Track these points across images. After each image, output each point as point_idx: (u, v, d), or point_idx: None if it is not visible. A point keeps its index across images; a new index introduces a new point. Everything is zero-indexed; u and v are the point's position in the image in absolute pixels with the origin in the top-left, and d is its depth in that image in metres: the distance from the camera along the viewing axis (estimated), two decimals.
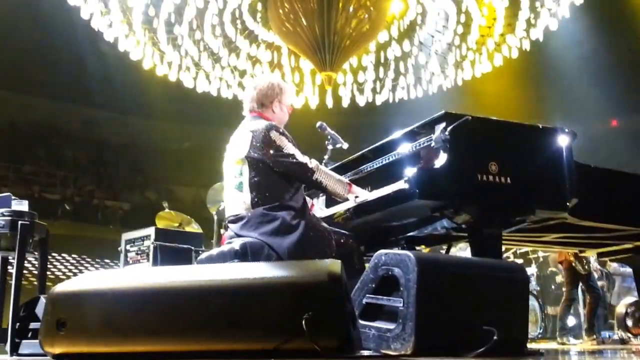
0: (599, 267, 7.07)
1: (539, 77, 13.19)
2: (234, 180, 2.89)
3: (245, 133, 2.87)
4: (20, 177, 14.33)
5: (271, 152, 2.78)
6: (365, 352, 2.27)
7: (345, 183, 2.86)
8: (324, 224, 2.90)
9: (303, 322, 1.93)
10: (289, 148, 2.79)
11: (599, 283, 7.01)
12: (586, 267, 6.48)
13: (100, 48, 10.93)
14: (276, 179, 2.79)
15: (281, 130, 2.84)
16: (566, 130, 3.02)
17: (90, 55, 12.30)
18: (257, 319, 2.02)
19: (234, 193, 2.88)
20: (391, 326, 2.22)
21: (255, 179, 2.81)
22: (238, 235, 2.80)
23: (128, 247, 5.36)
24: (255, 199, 2.79)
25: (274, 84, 3.01)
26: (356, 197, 2.90)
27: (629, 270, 6.90)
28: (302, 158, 2.78)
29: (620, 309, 6.24)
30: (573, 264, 6.47)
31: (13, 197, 3.37)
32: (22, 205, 3.32)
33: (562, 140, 2.98)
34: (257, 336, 2.01)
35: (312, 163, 2.79)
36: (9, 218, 3.19)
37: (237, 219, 2.84)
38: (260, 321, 2.02)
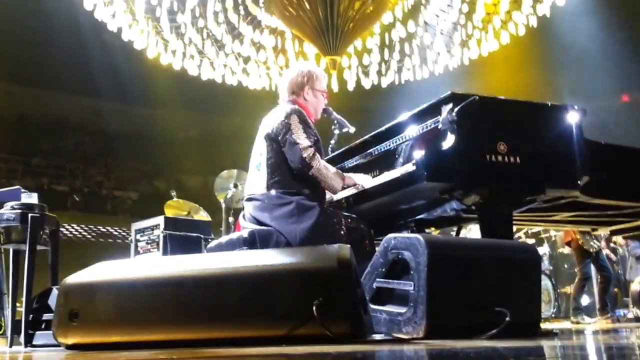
0: (612, 245, 7.02)
1: (547, 53, 13.00)
2: (255, 160, 2.95)
3: (275, 114, 2.93)
4: (29, 170, 14.42)
5: (282, 135, 2.81)
6: (377, 337, 2.27)
7: (340, 179, 2.84)
8: (336, 209, 2.89)
9: (314, 307, 1.93)
10: (299, 137, 2.79)
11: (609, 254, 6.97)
12: (594, 244, 6.43)
13: (104, 38, 10.91)
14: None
15: (303, 118, 2.86)
16: (576, 107, 2.97)
17: (95, 46, 12.30)
18: (268, 306, 2.02)
19: (253, 172, 2.95)
20: (402, 310, 2.21)
21: (272, 160, 2.85)
22: (252, 217, 2.84)
23: (138, 236, 5.39)
24: (271, 181, 2.83)
25: (304, 71, 3.05)
26: (352, 185, 2.91)
27: None
28: (304, 150, 2.75)
29: (635, 286, 6.21)
30: (580, 242, 6.43)
31: (23, 190, 3.41)
32: (31, 198, 3.33)
33: (572, 118, 2.94)
34: (269, 323, 2.01)
35: (312, 158, 2.76)
36: (20, 211, 3.20)
37: (252, 199, 2.87)
38: (271, 308, 2.02)
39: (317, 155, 2.80)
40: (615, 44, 12.13)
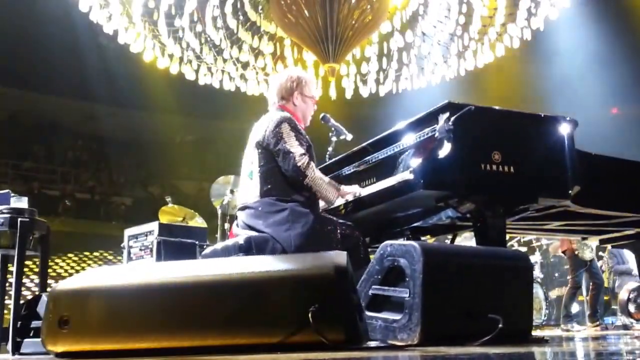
0: (600, 253, 7.10)
1: (541, 65, 13.13)
2: (247, 168, 2.95)
3: (265, 122, 2.93)
4: (19, 174, 14.28)
5: (274, 144, 2.81)
6: (372, 343, 2.29)
7: (335, 189, 2.85)
8: (331, 216, 2.91)
9: (309, 314, 1.93)
10: (292, 145, 2.79)
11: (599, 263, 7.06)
12: (588, 254, 6.53)
13: (99, 41, 10.88)
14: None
15: (294, 125, 2.86)
16: (568, 118, 3.02)
17: (90, 48, 12.24)
18: (263, 313, 2.02)
19: (245, 181, 2.95)
20: (397, 317, 2.23)
21: (264, 168, 2.85)
22: (246, 224, 2.84)
23: (131, 242, 5.34)
24: (264, 188, 2.82)
25: (293, 76, 3.04)
26: (348, 196, 2.93)
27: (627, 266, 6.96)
28: (300, 159, 2.75)
29: (623, 294, 6.28)
30: (576, 252, 6.52)
31: (12, 194, 3.30)
32: (21, 202, 3.24)
33: (564, 129, 2.99)
34: (264, 330, 2.01)
35: (307, 167, 2.76)
36: (9, 215, 3.09)
37: (245, 208, 2.87)
38: (266, 314, 2.02)
39: (312, 163, 2.80)
40: (606, 56, 12.30)
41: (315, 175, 2.78)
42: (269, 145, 2.83)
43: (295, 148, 2.77)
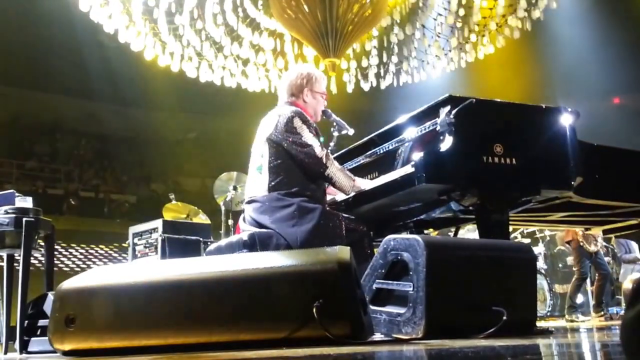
0: (604, 244, 7.10)
1: (542, 56, 13.10)
2: (255, 162, 2.96)
3: (274, 116, 2.94)
4: (23, 174, 14.32)
5: (290, 138, 2.83)
6: (377, 337, 2.30)
7: (352, 179, 2.89)
8: (336, 211, 2.92)
9: (314, 309, 1.94)
10: (308, 138, 2.82)
11: (606, 259, 7.06)
12: (594, 245, 6.53)
13: (100, 40, 10.89)
14: (294, 164, 2.85)
15: (305, 119, 2.89)
16: (569, 109, 3.02)
17: (91, 47, 12.26)
18: (268, 309, 2.02)
19: (254, 175, 2.96)
20: (402, 310, 2.24)
21: (274, 163, 2.87)
22: (252, 219, 2.85)
23: (136, 240, 5.38)
24: (273, 183, 2.84)
25: (303, 73, 3.07)
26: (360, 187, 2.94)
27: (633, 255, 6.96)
28: (319, 151, 2.80)
29: (627, 285, 6.29)
30: (581, 243, 6.52)
31: (17, 194, 3.30)
32: (26, 202, 3.23)
33: (566, 120, 2.98)
34: (269, 325, 2.01)
35: (327, 158, 2.82)
36: (13, 215, 3.08)
37: (253, 202, 2.89)
38: (271, 310, 2.02)
39: (330, 155, 2.85)
40: (607, 47, 12.25)
41: (335, 165, 2.85)
42: (281, 140, 2.84)
43: (312, 140, 2.82)
